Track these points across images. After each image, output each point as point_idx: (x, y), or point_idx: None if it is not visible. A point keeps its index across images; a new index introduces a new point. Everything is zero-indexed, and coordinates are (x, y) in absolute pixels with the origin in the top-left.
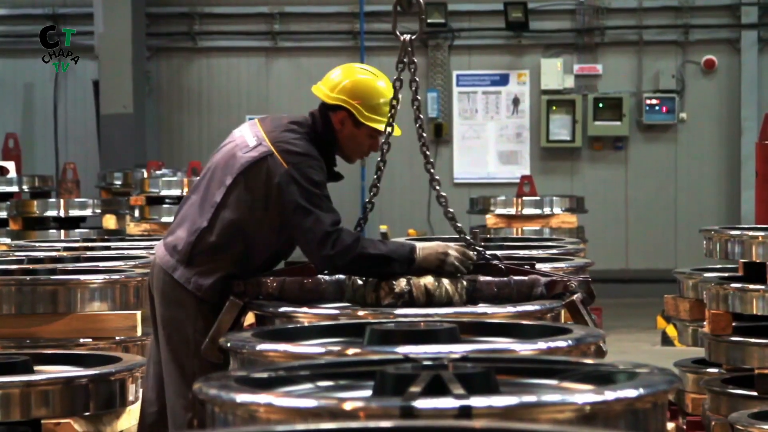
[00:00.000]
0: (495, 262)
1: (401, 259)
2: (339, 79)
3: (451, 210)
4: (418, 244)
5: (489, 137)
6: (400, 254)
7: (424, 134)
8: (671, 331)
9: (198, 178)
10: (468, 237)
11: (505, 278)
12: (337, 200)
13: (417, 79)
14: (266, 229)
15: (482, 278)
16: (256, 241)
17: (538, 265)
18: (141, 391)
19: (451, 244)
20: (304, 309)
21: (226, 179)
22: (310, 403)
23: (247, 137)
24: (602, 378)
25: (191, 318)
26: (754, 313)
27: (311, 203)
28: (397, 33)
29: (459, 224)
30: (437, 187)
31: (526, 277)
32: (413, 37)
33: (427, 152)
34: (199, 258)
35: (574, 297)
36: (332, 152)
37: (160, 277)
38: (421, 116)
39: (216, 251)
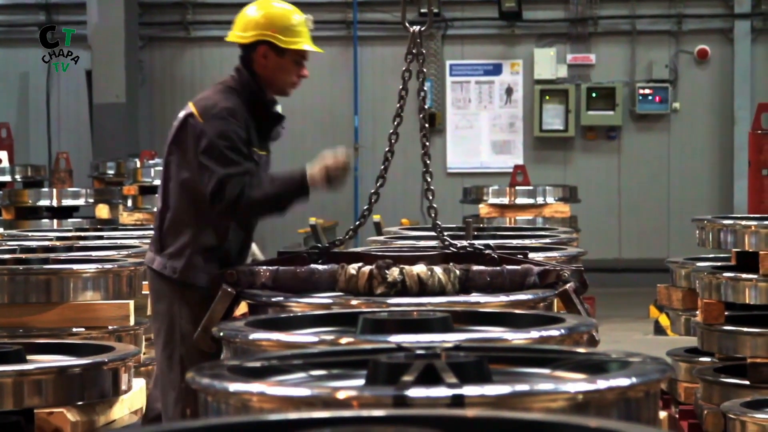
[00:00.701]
0: (488, 251)
1: (294, 191)
2: (248, 19)
3: (435, 206)
4: (308, 170)
5: (482, 127)
6: (291, 186)
7: (427, 125)
8: (664, 320)
9: None
10: (447, 240)
11: (498, 267)
12: (330, 192)
13: (425, 70)
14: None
15: (475, 267)
16: (202, 201)
17: (531, 255)
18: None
19: (328, 157)
20: (297, 298)
21: (167, 157)
22: (303, 392)
23: (181, 112)
24: (595, 367)
25: (175, 307)
26: (747, 302)
27: (208, 156)
28: (406, 24)
29: (439, 222)
30: (429, 179)
31: (518, 267)
32: (422, 29)
33: (427, 143)
34: (167, 240)
35: (567, 286)
36: (265, 95)
37: (148, 275)
38: (426, 107)
39: (177, 227)
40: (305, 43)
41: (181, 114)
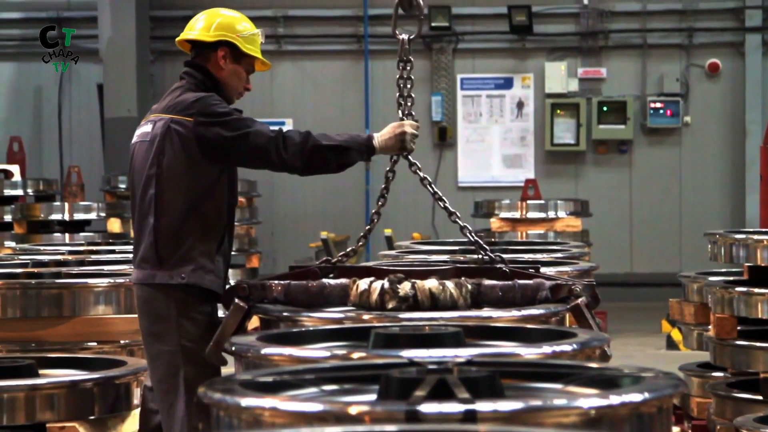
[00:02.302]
0: (500, 265)
1: (358, 147)
2: (210, 20)
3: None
4: (376, 133)
5: (493, 141)
6: (357, 143)
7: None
8: (676, 334)
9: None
10: (490, 254)
11: (510, 282)
12: (342, 206)
13: (412, 77)
14: (205, 184)
15: (487, 282)
16: (203, 202)
17: (543, 269)
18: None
19: (404, 122)
20: (309, 313)
21: (149, 171)
22: (315, 407)
23: (144, 130)
24: (607, 382)
25: (176, 325)
26: (759, 317)
27: (237, 129)
28: (396, 33)
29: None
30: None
31: (530, 281)
32: (411, 37)
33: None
34: (166, 251)
35: (579, 301)
36: (227, 98)
37: (139, 295)
38: (411, 113)
39: (177, 235)
40: (259, 54)
41: (149, 128)
